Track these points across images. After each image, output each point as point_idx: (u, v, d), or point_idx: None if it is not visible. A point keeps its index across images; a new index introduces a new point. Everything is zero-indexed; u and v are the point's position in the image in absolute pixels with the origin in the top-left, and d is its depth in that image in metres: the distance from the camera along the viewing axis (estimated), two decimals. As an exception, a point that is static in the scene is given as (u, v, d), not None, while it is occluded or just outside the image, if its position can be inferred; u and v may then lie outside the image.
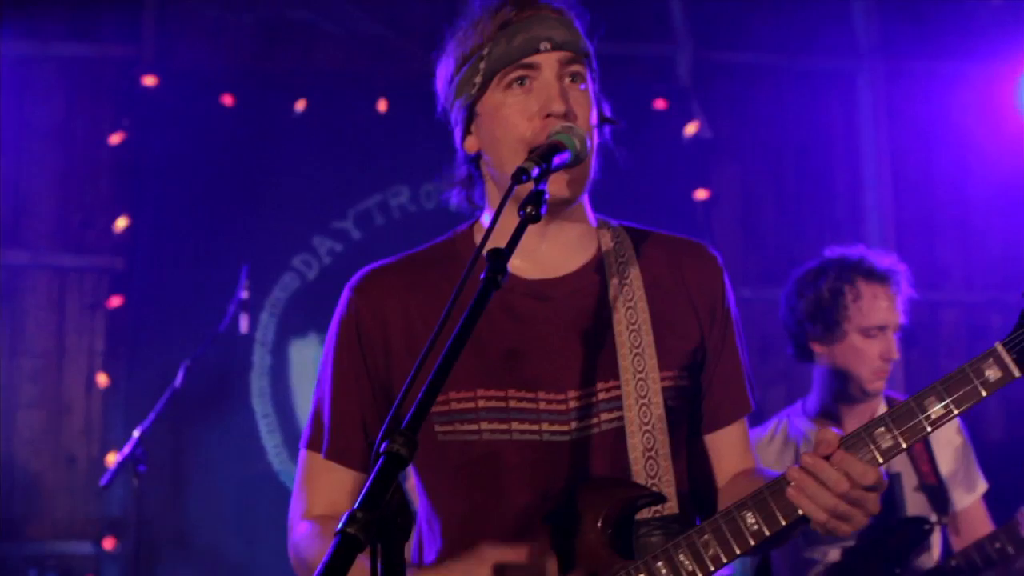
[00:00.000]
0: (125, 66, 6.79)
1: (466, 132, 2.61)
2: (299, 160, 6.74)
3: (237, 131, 6.70)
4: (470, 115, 2.58)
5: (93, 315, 6.69)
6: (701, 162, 7.19)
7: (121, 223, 6.65)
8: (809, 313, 4.45)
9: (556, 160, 2.31)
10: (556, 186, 2.46)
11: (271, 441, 6.57)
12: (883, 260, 4.45)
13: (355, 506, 1.70)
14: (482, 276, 2.07)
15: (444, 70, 2.64)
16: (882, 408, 4.47)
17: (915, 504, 4.41)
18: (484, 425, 2.49)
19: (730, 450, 2.73)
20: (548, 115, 2.46)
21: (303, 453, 2.70)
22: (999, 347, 2.29)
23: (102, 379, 6.58)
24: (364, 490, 1.73)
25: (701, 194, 7.12)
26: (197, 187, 6.62)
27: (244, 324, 6.03)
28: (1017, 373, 2.27)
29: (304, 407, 6.60)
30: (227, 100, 6.71)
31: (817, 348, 4.49)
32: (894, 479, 4.39)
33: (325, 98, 6.82)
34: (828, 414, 4.50)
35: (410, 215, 6.84)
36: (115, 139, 6.72)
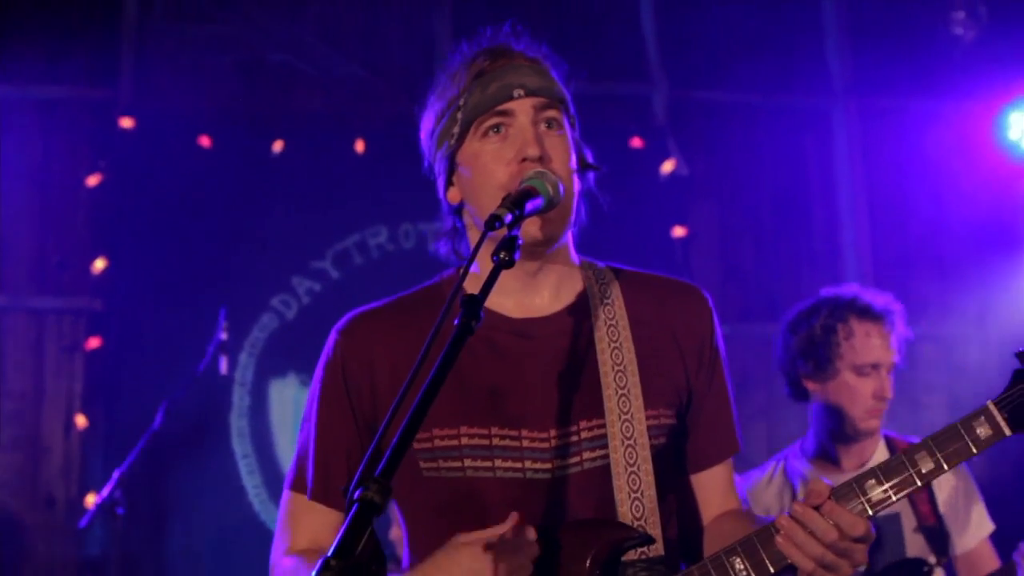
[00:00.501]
0: (102, 108, 6.79)
1: (448, 183, 2.64)
2: (277, 200, 6.75)
3: (215, 172, 6.70)
4: (451, 166, 2.61)
5: (71, 357, 6.67)
6: (678, 200, 7.22)
7: (99, 264, 6.64)
8: (802, 350, 4.43)
9: (529, 206, 2.34)
10: (531, 231, 2.47)
11: (251, 482, 6.55)
12: (877, 299, 4.43)
13: (328, 554, 1.72)
14: (456, 322, 2.09)
15: (426, 124, 2.67)
16: (880, 448, 4.47)
17: (914, 545, 4.36)
18: (468, 462, 2.50)
19: (715, 491, 2.73)
20: (523, 160, 2.49)
21: (286, 494, 2.70)
22: (991, 405, 2.34)
23: (81, 420, 6.55)
24: (338, 538, 1.75)
25: (678, 231, 7.15)
26: (175, 228, 6.61)
27: (224, 365, 6.03)
28: (1008, 432, 2.32)
29: (284, 447, 6.59)
30: (205, 141, 6.72)
31: (810, 386, 4.46)
32: (892, 519, 4.35)
33: (303, 139, 6.83)
34: (825, 454, 4.47)
35: (388, 254, 6.85)
36: (92, 180, 6.71)
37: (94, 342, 6.60)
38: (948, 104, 7.50)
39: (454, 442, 2.50)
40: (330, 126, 6.91)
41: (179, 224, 6.62)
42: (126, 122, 6.70)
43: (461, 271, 2.40)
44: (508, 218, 2.27)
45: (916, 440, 4.32)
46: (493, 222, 2.26)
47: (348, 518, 1.78)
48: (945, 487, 4.45)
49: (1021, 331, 7.37)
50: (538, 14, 7.22)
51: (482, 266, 2.53)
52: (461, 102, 2.56)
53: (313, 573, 1.69)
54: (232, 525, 6.46)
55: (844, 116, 7.62)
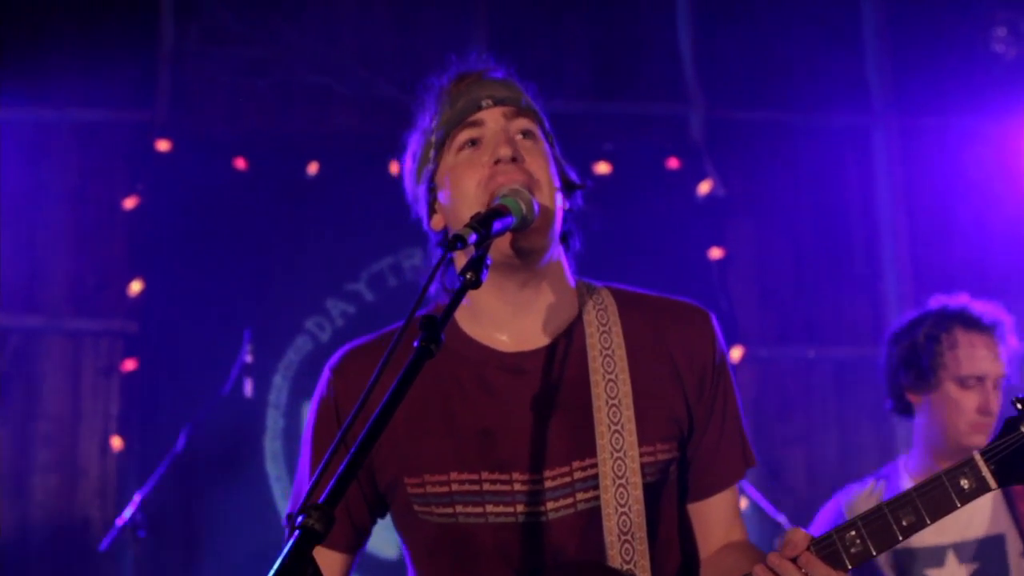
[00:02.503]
0: (139, 130, 6.83)
1: (431, 211, 2.61)
2: (312, 222, 6.75)
3: (250, 194, 6.72)
4: (431, 191, 2.59)
5: (108, 379, 6.69)
6: (715, 221, 7.17)
7: (135, 287, 6.65)
8: (904, 360, 4.29)
9: (498, 225, 2.29)
10: (501, 246, 2.42)
11: (285, 505, 6.53)
12: (987, 309, 4.27)
13: None
14: (415, 344, 2.04)
15: (406, 168, 2.68)
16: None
17: (1020, 571, 4.16)
18: (459, 508, 2.46)
19: (718, 521, 2.67)
20: (497, 161, 2.46)
21: (287, 532, 2.66)
22: (977, 457, 2.26)
23: (116, 442, 6.56)
24: (277, 564, 1.73)
25: (716, 253, 7.10)
26: (211, 250, 6.63)
27: (248, 388, 6.02)
28: (993, 486, 2.24)
29: (318, 470, 6.57)
30: (240, 163, 6.74)
31: (913, 398, 4.31)
32: (996, 541, 4.18)
33: (338, 161, 6.84)
34: (928, 472, 4.24)
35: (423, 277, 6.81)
36: (129, 203, 6.74)
37: (130, 364, 6.61)
38: (989, 121, 7.43)
39: (445, 488, 2.46)
40: (365, 148, 6.91)
41: (215, 246, 6.64)
42: (163, 144, 6.72)
43: (422, 291, 2.37)
44: (473, 238, 2.21)
45: None
46: (455, 242, 2.20)
47: (288, 545, 1.76)
48: None
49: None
50: (576, 34, 7.22)
51: (472, 295, 2.48)
52: (433, 125, 2.56)
53: None
54: (266, 548, 6.43)
55: (884, 134, 7.56)
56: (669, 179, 7.07)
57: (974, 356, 4.19)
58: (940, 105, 7.46)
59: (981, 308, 4.29)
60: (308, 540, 1.76)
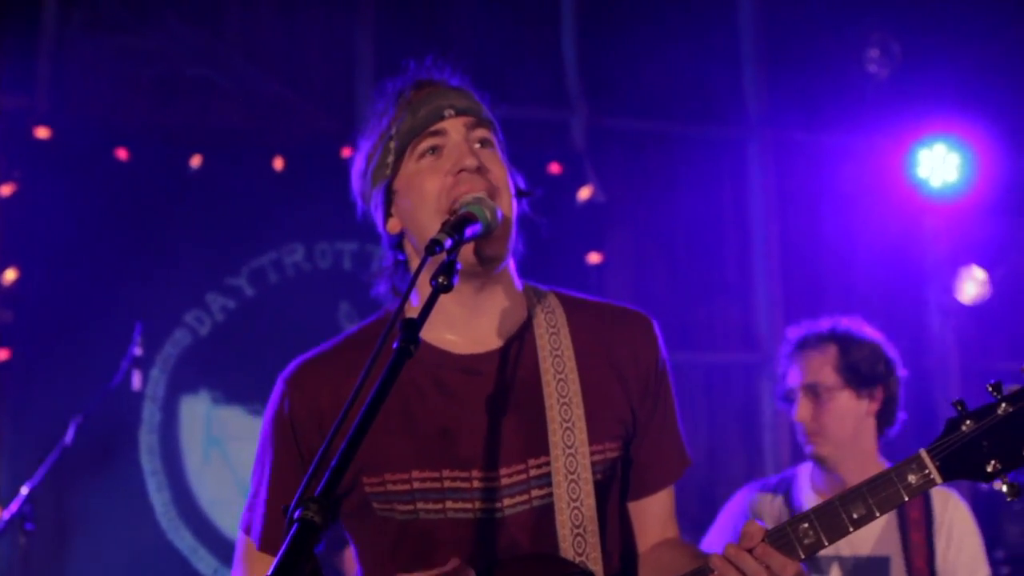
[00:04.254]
0: (18, 117, 6.71)
1: (387, 215, 2.65)
2: (193, 216, 6.70)
3: (131, 185, 6.63)
4: (388, 196, 2.63)
5: (-22, 367, 6.57)
6: (594, 226, 7.28)
7: (10, 275, 6.54)
8: None
9: (468, 231, 2.36)
10: (466, 254, 2.48)
11: (159, 499, 6.49)
12: (804, 328, 4.55)
13: (269, 573, 1.72)
14: (395, 346, 2.10)
15: (357, 166, 2.70)
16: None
17: None
18: (420, 505, 2.51)
19: (655, 518, 2.76)
20: (461, 171, 2.52)
21: (240, 535, 2.69)
22: (923, 453, 2.38)
23: (-15, 433, 6.45)
24: (278, 558, 1.75)
25: (594, 258, 7.21)
26: (89, 241, 6.53)
27: (137, 381, 5.97)
28: (939, 480, 2.36)
29: (194, 464, 6.54)
30: (122, 154, 6.66)
31: None
32: (881, 563, 4.32)
33: (221, 154, 6.79)
34: (828, 483, 4.46)
35: (304, 273, 6.82)
36: (6, 190, 6.62)
37: (3, 354, 6.51)
38: (861, 139, 7.65)
39: (406, 486, 2.51)
40: (249, 142, 6.89)
41: (93, 237, 6.54)
42: (42, 132, 6.62)
43: (405, 293, 2.42)
44: (448, 243, 2.29)
45: None
46: (433, 247, 2.27)
47: (288, 538, 1.79)
48: (948, 538, 4.34)
49: (924, 361, 7.53)
50: (458, 36, 7.27)
51: (421, 295, 2.55)
52: (393, 131, 2.59)
53: None
54: (139, 542, 6.39)
55: (759, 147, 7.74)
56: (550, 184, 7.15)
57: (789, 374, 4.50)
58: (814, 121, 7.67)
59: (803, 328, 4.57)
60: (307, 532, 1.80)
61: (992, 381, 2.41)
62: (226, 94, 7.03)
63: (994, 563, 5.91)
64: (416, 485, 2.51)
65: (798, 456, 6.80)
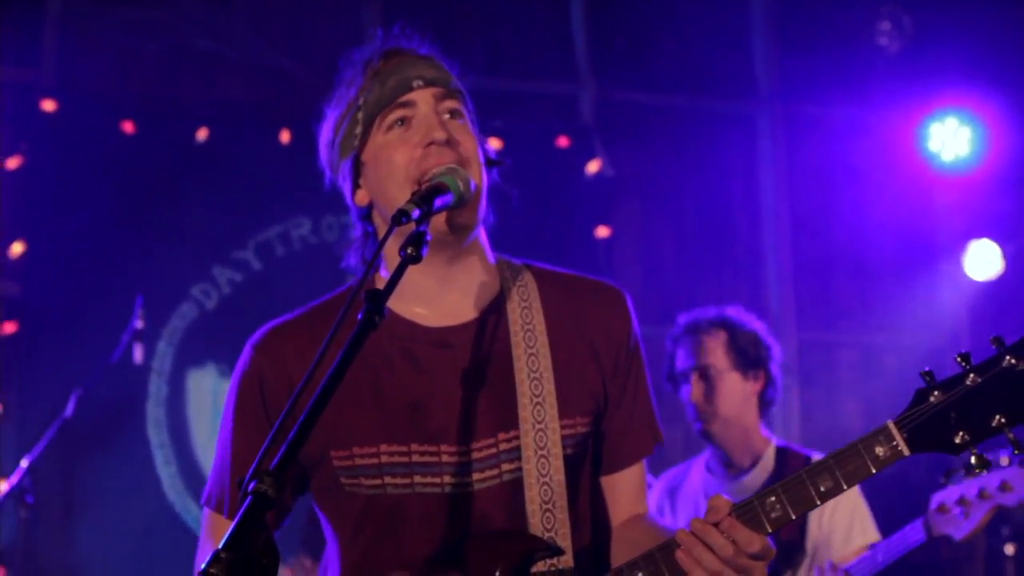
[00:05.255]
0: (24, 90, 6.68)
1: (355, 187, 2.63)
2: (200, 189, 6.69)
3: (138, 158, 6.62)
4: (356, 167, 2.61)
5: (-15, 340, 6.57)
6: (603, 200, 7.26)
7: (17, 248, 6.53)
8: None
9: (438, 202, 2.34)
10: (437, 224, 2.45)
11: (166, 472, 6.49)
12: (692, 314, 4.88)
13: (220, 546, 1.72)
14: (359, 316, 2.08)
15: (324, 135, 2.68)
16: (766, 459, 4.70)
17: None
18: (387, 480, 2.49)
19: (625, 494, 2.73)
20: (430, 143, 2.49)
21: (205, 511, 2.66)
22: (891, 425, 2.35)
23: (-6, 405, 6.45)
24: (230, 530, 1.75)
25: (602, 231, 7.19)
26: (95, 214, 6.52)
27: (138, 354, 5.96)
28: (907, 452, 2.32)
29: (201, 437, 6.55)
30: (128, 127, 6.65)
31: None
32: (793, 546, 4.49)
33: (227, 127, 6.78)
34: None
35: (311, 247, 6.81)
36: (12, 163, 6.61)
37: (9, 327, 6.50)
38: (871, 113, 7.61)
39: (374, 460, 2.49)
40: (256, 116, 6.87)
41: (100, 210, 6.53)
42: (48, 105, 6.60)
43: (370, 264, 2.39)
44: (416, 213, 2.27)
45: (811, 452, 4.48)
46: (400, 217, 2.25)
47: (241, 510, 1.78)
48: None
49: (936, 337, 7.50)
50: (466, 9, 7.23)
51: (391, 266, 2.53)
52: (361, 102, 2.57)
53: (203, 566, 1.68)
54: (146, 515, 6.41)
55: (769, 121, 7.70)
56: (558, 157, 7.13)
57: (675, 356, 4.87)
58: (824, 94, 7.62)
59: (687, 315, 4.92)
60: (261, 505, 1.78)
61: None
62: (233, 67, 7.01)
63: (999, 539, 5.98)
64: (384, 459, 2.48)
65: (806, 423, 6.82)
